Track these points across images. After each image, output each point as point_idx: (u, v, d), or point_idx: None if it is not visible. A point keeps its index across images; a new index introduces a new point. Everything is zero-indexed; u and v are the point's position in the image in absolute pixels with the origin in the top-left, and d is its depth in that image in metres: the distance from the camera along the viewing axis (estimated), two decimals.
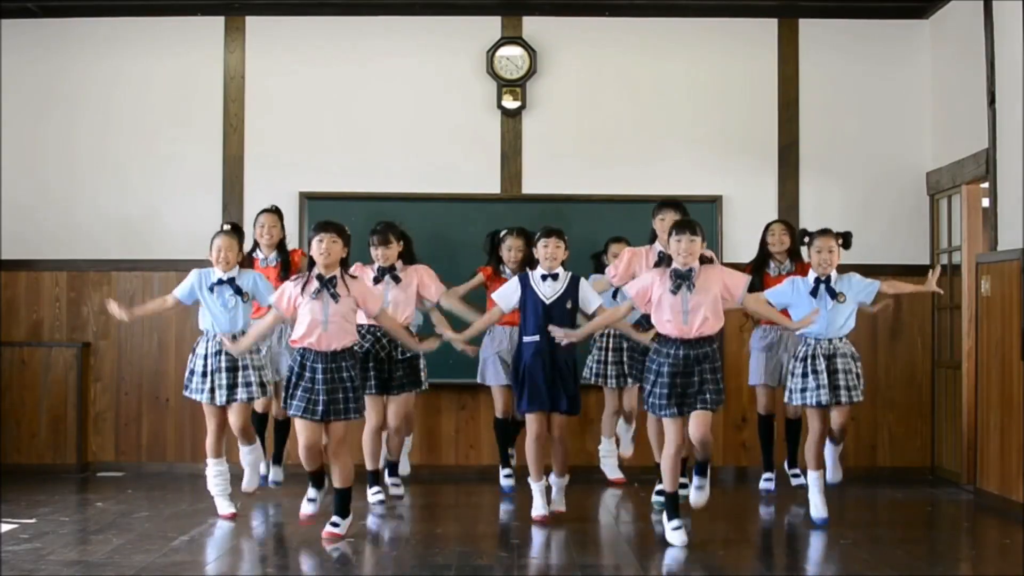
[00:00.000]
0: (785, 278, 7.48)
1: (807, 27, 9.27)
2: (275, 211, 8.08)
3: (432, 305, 7.64)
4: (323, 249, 6.51)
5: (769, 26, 9.28)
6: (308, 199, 9.13)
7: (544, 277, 7.08)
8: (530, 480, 7.15)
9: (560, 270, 7.11)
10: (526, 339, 7.09)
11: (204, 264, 9.06)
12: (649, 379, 6.56)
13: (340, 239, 6.58)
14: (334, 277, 6.54)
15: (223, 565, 6.05)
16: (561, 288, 7.06)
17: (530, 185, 9.22)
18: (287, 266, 7.95)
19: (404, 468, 8.40)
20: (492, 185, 9.22)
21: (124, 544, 6.30)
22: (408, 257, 7.67)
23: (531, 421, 7.08)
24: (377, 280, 7.46)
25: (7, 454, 8.99)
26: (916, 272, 9.17)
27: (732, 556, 6.45)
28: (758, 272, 7.95)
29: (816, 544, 6.53)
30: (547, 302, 7.04)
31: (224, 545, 6.51)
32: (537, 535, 6.83)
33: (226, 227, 7.39)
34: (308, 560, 6.11)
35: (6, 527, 6.73)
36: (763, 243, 8.11)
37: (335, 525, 6.57)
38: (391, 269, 7.52)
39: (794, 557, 6.24)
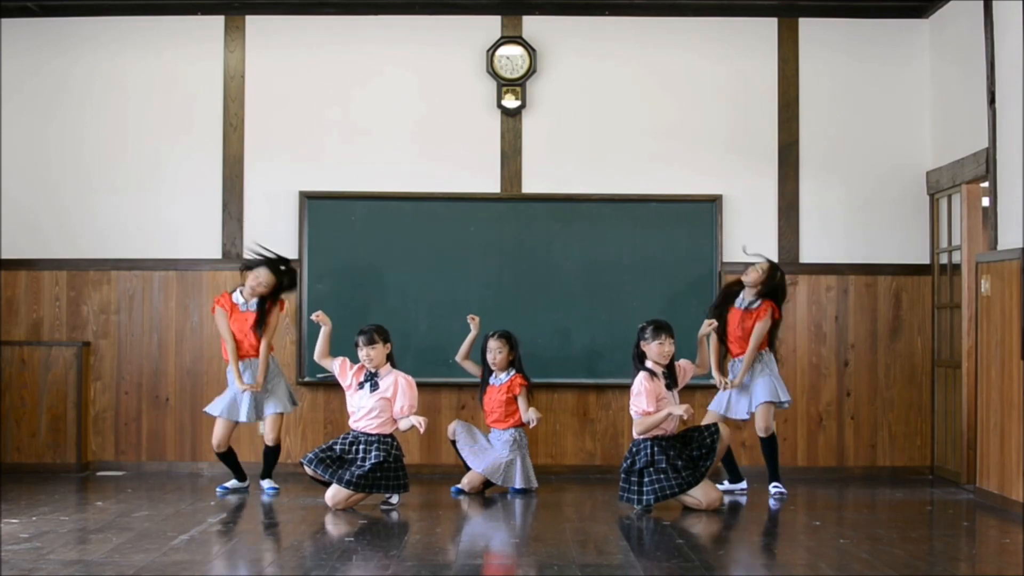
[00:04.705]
0: (752, 314, 8.07)
1: (807, 27, 9.27)
2: (278, 272, 8.21)
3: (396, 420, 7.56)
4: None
5: (769, 26, 9.28)
6: (308, 199, 9.13)
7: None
8: None
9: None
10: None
11: (203, 263, 9.11)
12: None
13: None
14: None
15: (223, 565, 6.05)
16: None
17: (530, 185, 9.21)
18: (263, 317, 8.14)
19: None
20: (492, 185, 9.22)
21: (124, 544, 6.30)
22: (391, 360, 7.65)
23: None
24: (362, 384, 7.54)
25: (7, 454, 9.00)
26: (916, 271, 9.19)
27: (732, 556, 6.46)
28: (728, 298, 8.24)
29: (816, 544, 6.52)
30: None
31: (224, 545, 6.51)
32: (537, 535, 6.83)
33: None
34: (307, 560, 6.11)
35: (6, 527, 6.73)
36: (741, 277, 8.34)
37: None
38: (375, 375, 7.53)
39: (794, 557, 6.24)
